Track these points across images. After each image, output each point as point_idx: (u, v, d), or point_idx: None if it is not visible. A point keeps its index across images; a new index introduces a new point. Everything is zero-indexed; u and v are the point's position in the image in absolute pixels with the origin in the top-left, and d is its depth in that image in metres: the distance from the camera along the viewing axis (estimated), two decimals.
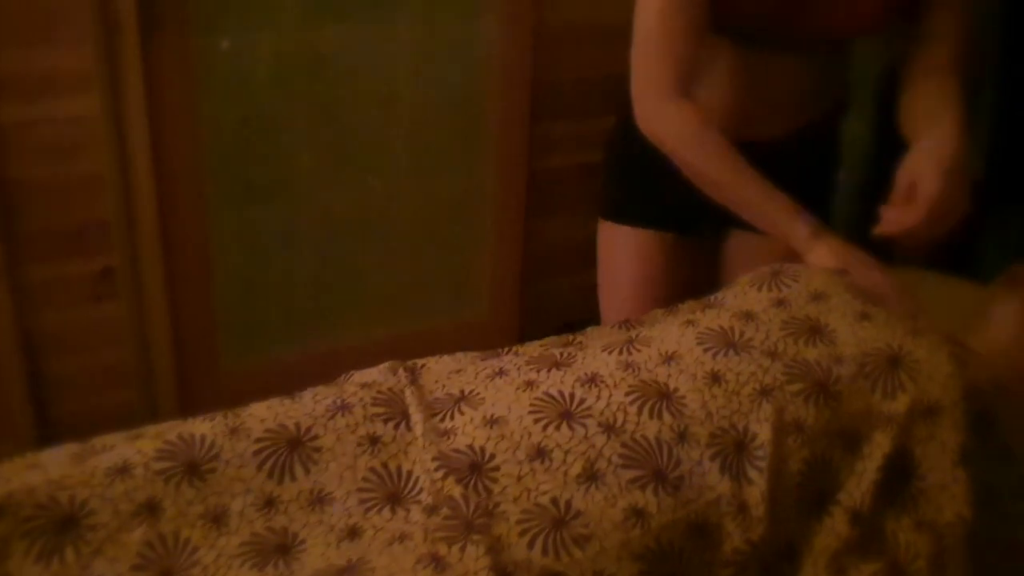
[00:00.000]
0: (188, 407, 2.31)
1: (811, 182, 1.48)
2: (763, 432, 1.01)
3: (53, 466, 1.04)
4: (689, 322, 1.14)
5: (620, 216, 1.58)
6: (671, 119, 1.31)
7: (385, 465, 1.00)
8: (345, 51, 2.19)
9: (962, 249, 2.07)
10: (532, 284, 2.60)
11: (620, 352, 1.09)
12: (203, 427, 0.98)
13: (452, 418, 1.02)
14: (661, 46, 1.28)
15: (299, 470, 0.99)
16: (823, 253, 1.28)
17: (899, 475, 1.03)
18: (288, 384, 2.34)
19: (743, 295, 1.19)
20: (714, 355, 1.07)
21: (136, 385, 2.21)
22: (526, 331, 2.64)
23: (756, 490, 0.98)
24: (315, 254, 2.35)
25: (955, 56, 1.37)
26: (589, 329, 1.35)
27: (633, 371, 1.05)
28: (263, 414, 1.01)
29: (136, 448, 0.97)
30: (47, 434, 2.14)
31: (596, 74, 2.33)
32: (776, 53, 1.37)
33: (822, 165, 1.59)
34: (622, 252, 1.58)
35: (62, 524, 0.94)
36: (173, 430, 1.00)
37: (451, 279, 2.56)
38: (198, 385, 2.29)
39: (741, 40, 1.36)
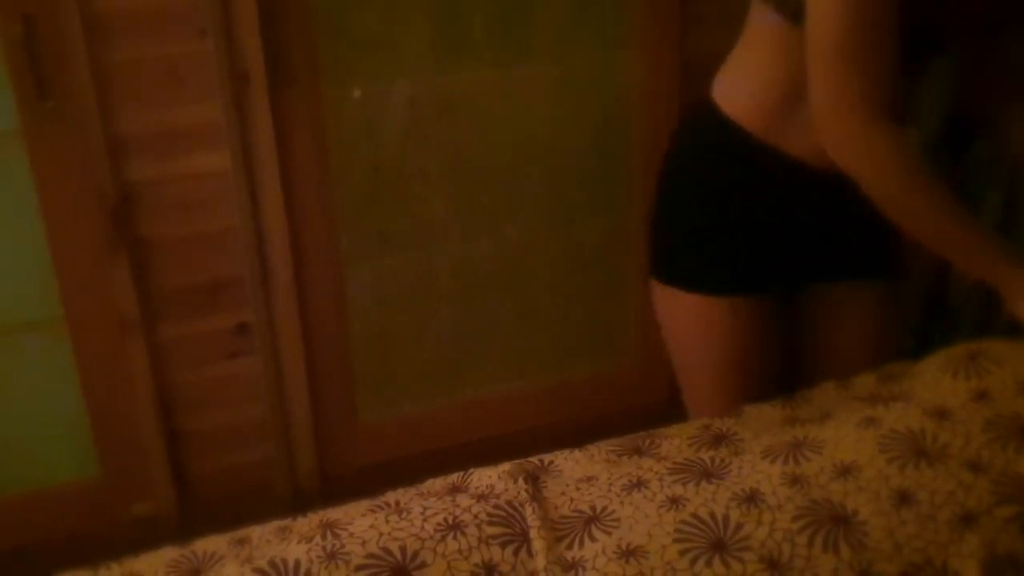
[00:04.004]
0: (327, 462, 2.27)
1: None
2: (968, 570, 0.82)
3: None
4: (869, 420, 0.95)
5: (702, 285, 1.34)
6: (875, 145, 1.11)
7: None
8: (478, 95, 2.09)
9: None
10: None
11: (785, 461, 0.91)
12: (299, 551, 0.86)
13: (581, 545, 0.87)
14: (857, 58, 1.08)
15: None
16: None
17: None
18: (426, 439, 2.29)
19: (934, 384, 0.99)
20: (901, 467, 0.88)
21: (274, 441, 2.17)
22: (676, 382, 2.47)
23: None
24: (451, 304, 2.26)
25: None
26: (746, 410, 1.17)
27: (801, 487, 0.87)
28: (365, 533, 0.88)
29: None
30: (185, 492, 2.12)
31: None
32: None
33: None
34: (708, 327, 1.34)
35: None
36: (268, 552, 0.88)
37: (594, 328, 2.41)
38: (337, 440, 2.24)
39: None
